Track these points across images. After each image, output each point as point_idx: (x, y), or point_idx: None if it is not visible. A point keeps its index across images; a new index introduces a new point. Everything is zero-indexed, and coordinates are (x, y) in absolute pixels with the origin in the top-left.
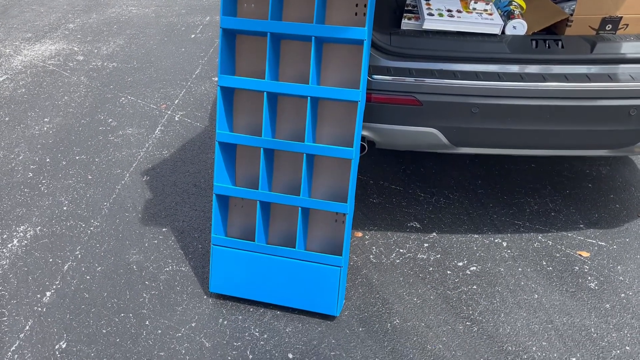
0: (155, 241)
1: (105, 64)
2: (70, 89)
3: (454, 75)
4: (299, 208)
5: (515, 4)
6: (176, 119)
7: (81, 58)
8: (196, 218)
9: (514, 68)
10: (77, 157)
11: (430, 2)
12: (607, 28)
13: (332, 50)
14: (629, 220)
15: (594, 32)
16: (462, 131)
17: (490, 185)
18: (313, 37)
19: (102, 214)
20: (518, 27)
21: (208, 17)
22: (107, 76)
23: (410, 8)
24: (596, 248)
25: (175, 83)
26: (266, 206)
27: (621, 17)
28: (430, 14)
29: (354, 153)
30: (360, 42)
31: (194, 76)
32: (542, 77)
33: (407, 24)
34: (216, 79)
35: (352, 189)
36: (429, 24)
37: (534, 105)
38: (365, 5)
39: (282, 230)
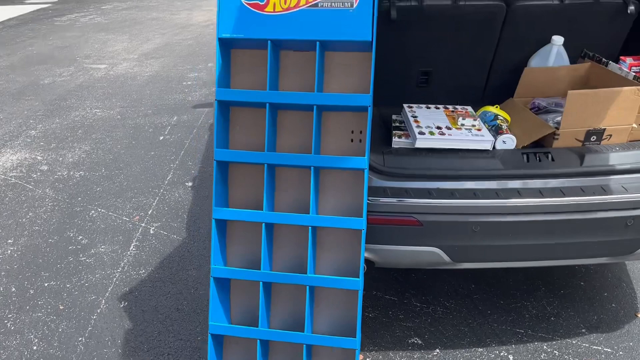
0: None
1: (71, 173)
2: (35, 204)
3: (452, 194)
4: (304, 345)
5: (501, 118)
6: (151, 232)
7: (45, 168)
8: (182, 349)
9: (510, 184)
10: (46, 284)
11: (418, 119)
12: (592, 139)
13: (329, 176)
14: (628, 321)
15: (580, 144)
16: (463, 249)
17: (484, 290)
18: (312, 167)
19: (78, 352)
20: (508, 141)
21: (175, 117)
22: (74, 187)
23: (397, 124)
24: (603, 356)
25: (148, 191)
26: (266, 344)
27: (604, 129)
28: (422, 133)
29: (360, 283)
30: (360, 169)
31: (166, 182)
32: (539, 192)
33: (398, 142)
34: (190, 184)
35: (359, 321)
36: (422, 143)
37: (533, 221)
38: (360, 132)
39: None
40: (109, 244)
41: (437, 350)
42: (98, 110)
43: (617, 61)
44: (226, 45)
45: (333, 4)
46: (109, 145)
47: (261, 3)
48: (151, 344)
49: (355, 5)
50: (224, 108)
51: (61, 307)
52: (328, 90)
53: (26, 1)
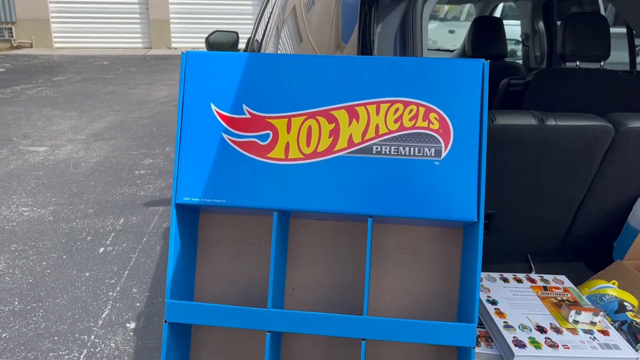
0: None
1: None
2: None
3: None
4: None
5: (629, 305)
6: None
7: None
8: None
9: None
10: None
11: (499, 307)
12: None
13: None
14: None
15: None
16: None
17: None
18: None
19: None
20: None
21: (122, 219)
22: None
23: None
24: None
25: (72, 338)
26: None
27: None
28: (519, 344)
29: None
30: None
31: (100, 322)
32: None
33: (478, 353)
34: (132, 325)
35: None
36: None
37: None
38: None
39: None
40: None
41: None
42: (25, 209)
43: None
44: (190, 211)
45: (401, 149)
46: (30, 263)
47: (262, 143)
48: None
49: (445, 153)
50: (180, 330)
51: None
52: (377, 298)
53: None
